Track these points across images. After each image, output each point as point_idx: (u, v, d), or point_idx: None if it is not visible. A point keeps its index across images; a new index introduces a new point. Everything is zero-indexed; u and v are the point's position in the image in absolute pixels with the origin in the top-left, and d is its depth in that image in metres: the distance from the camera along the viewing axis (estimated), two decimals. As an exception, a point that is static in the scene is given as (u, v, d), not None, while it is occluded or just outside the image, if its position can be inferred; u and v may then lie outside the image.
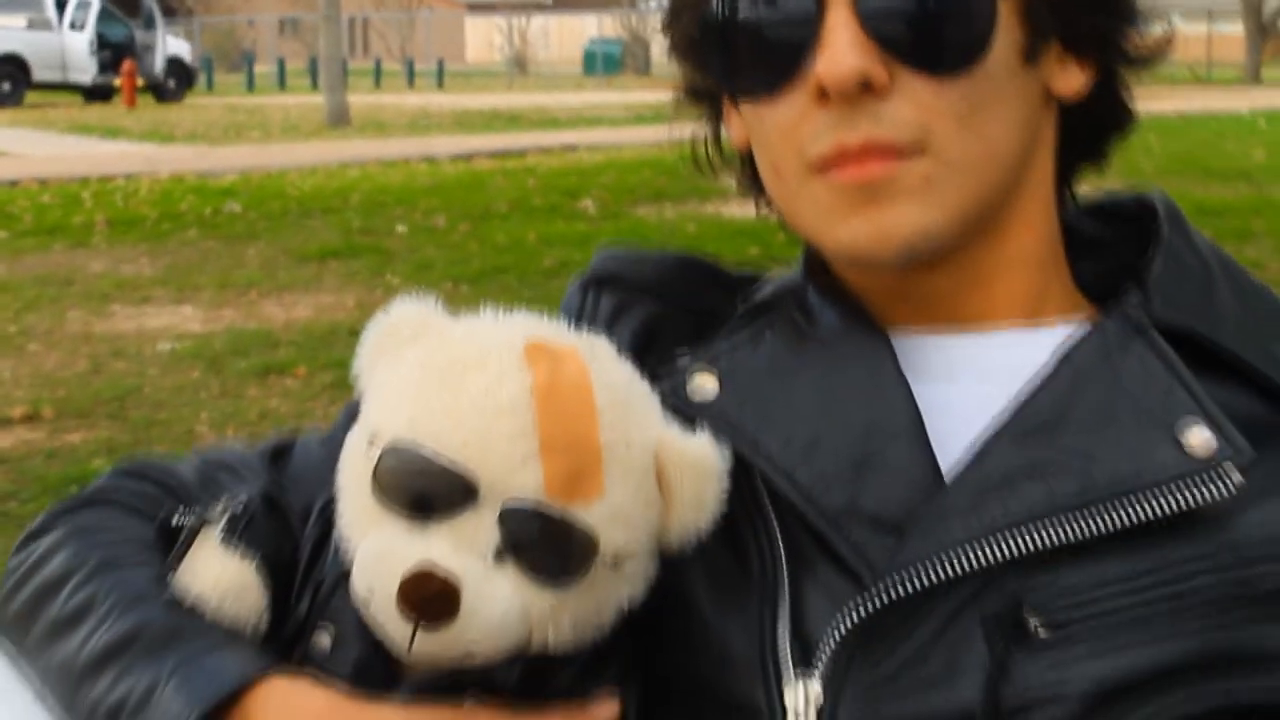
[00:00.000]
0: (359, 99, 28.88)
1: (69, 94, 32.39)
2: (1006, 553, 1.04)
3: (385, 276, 9.58)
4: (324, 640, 1.10)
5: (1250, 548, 1.05)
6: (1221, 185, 13.24)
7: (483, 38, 65.89)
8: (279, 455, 1.31)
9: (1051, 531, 1.04)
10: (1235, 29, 45.14)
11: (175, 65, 33.70)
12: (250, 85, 41.13)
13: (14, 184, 14.58)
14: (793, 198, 1.14)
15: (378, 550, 1.03)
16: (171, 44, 33.85)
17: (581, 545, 1.03)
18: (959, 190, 1.10)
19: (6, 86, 30.88)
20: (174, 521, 1.17)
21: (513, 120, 24.34)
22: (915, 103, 1.08)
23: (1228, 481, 1.04)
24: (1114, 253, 1.24)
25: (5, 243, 11.13)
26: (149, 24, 33.08)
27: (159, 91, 32.82)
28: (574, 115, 25.25)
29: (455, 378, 1.04)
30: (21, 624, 1.20)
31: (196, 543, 1.14)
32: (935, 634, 1.05)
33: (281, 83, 41.74)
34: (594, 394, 1.05)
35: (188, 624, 1.11)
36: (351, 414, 1.15)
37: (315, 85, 35.03)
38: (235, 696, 1.06)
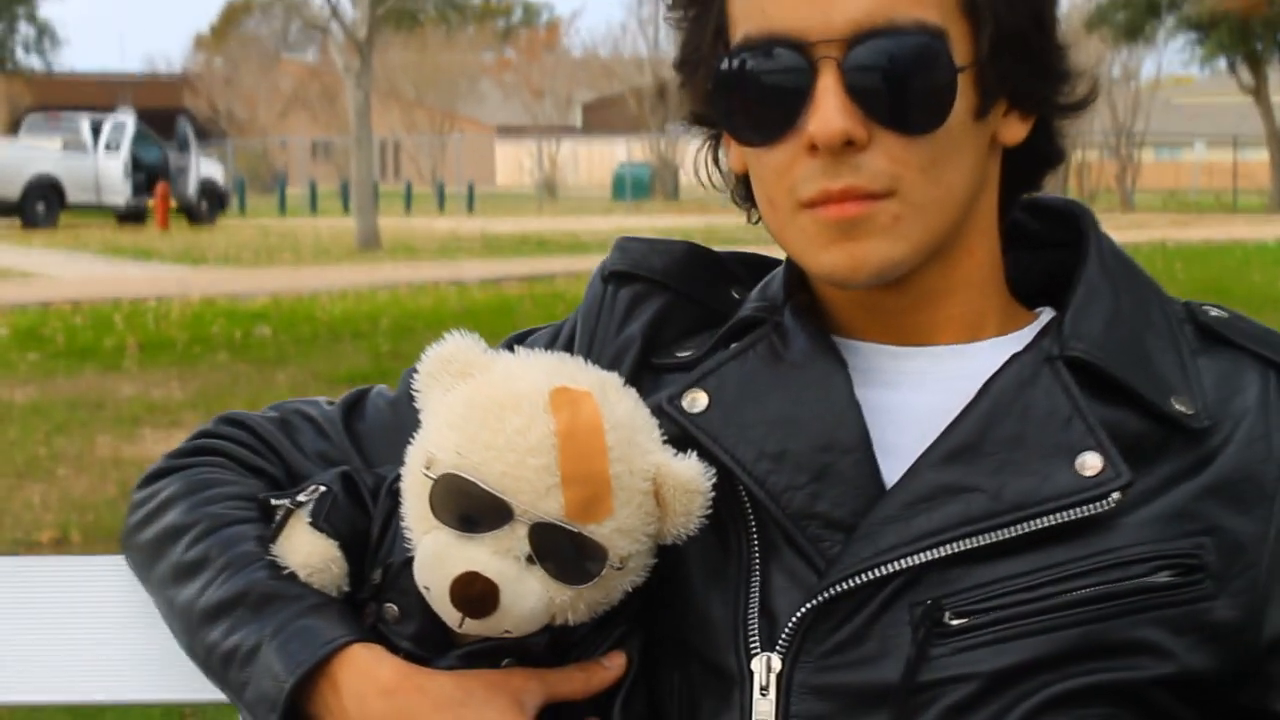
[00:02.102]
0: (390, 222, 29.16)
1: (102, 215, 32.71)
2: (929, 556, 1.29)
3: (413, 402, 9.58)
4: (393, 611, 1.37)
5: (1126, 550, 1.29)
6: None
7: (513, 161, 66.57)
8: (353, 408, 1.57)
9: (965, 541, 1.29)
10: (1261, 156, 45.34)
11: (208, 187, 33.92)
12: (282, 208, 41.54)
13: (46, 306, 14.74)
14: (784, 227, 1.36)
15: (433, 554, 1.30)
16: (205, 166, 34.06)
17: (595, 554, 1.29)
18: (921, 228, 1.32)
19: (41, 209, 31.24)
20: (272, 501, 1.42)
21: (541, 245, 24.55)
22: (888, 156, 1.30)
23: (1109, 499, 1.28)
24: (1050, 253, 1.45)
25: (37, 364, 11.24)
26: (183, 146, 33.33)
27: (192, 214, 33.04)
28: (602, 240, 25.35)
29: (495, 418, 1.29)
30: (147, 559, 1.49)
31: (289, 523, 1.39)
32: (871, 619, 1.30)
33: (313, 205, 42.14)
34: (605, 434, 1.29)
35: (284, 589, 1.38)
36: (409, 385, 1.41)
37: (346, 208, 35.31)
38: (324, 660, 1.33)
